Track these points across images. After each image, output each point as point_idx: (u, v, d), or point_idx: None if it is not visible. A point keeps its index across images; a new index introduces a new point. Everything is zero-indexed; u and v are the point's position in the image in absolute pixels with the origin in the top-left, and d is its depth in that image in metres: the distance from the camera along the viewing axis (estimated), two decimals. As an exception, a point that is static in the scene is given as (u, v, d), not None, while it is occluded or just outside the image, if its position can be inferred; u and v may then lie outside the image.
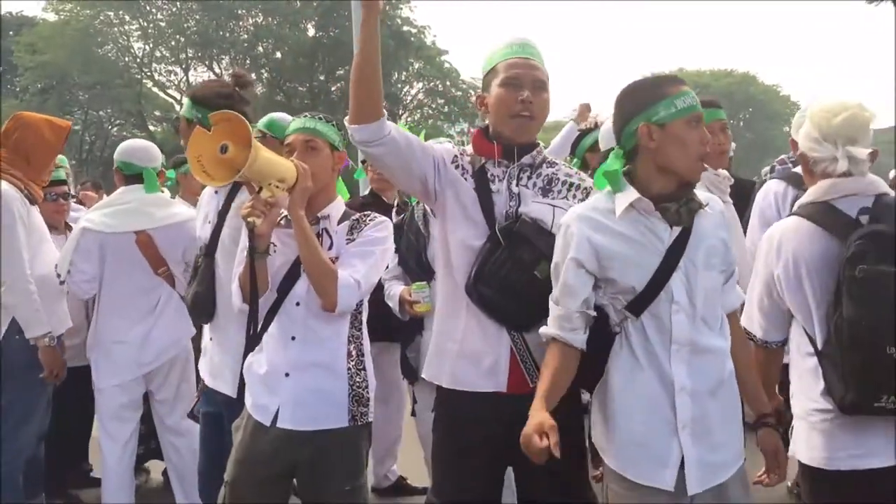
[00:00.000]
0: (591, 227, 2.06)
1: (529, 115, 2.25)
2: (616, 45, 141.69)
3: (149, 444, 4.25)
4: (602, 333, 2.10)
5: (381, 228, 2.47)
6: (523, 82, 2.24)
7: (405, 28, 32.39)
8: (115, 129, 33.48)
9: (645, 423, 2.04)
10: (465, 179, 2.29)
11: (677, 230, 2.05)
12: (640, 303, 2.04)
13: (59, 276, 3.53)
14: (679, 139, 2.02)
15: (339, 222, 2.48)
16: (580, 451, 2.30)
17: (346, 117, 2.24)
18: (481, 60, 2.38)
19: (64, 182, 4.32)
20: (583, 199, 2.26)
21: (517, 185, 2.28)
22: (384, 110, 2.18)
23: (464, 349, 2.26)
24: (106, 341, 3.56)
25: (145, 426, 3.86)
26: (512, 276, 2.17)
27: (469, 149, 2.38)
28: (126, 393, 3.58)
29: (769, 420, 2.20)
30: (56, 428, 3.80)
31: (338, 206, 2.52)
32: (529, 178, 2.30)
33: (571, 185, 2.33)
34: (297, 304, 2.41)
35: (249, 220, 2.22)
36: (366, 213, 2.53)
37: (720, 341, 2.10)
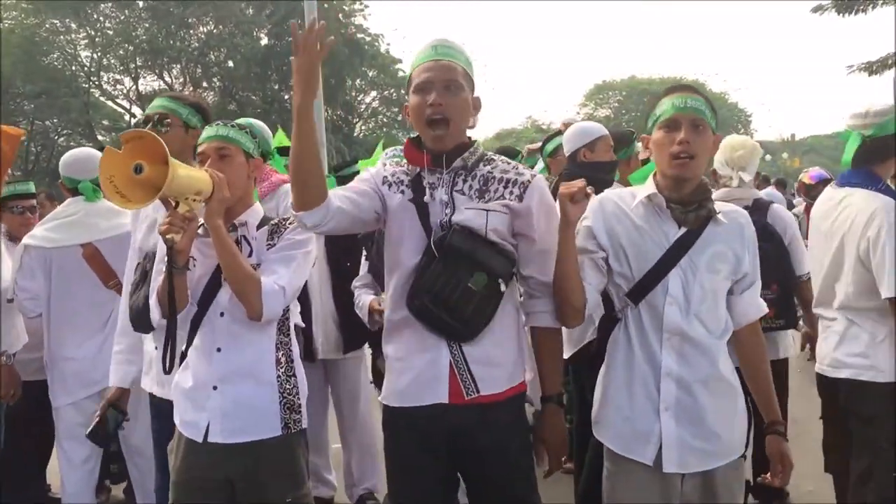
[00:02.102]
0: (611, 207, 2.28)
1: (442, 118, 2.17)
2: (569, 53, 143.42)
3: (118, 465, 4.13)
4: (610, 320, 2.33)
5: (303, 231, 2.41)
6: (433, 85, 2.17)
7: (359, 36, 32.33)
8: (62, 139, 32.64)
9: (632, 401, 2.23)
10: (403, 193, 2.25)
11: (684, 230, 2.21)
12: (638, 291, 2.22)
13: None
14: (655, 143, 2.25)
15: (258, 228, 2.45)
16: (527, 455, 2.30)
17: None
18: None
19: (33, 195, 4.20)
20: (520, 195, 2.21)
21: (452, 190, 2.22)
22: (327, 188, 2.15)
23: (407, 365, 2.24)
24: (58, 359, 3.46)
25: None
26: (445, 290, 2.13)
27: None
28: (81, 412, 3.46)
29: (778, 428, 2.33)
30: (13, 446, 3.67)
31: (255, 211, 2.49)
32: (465, 181, 2.23)
33: (508, 181, 2.23)
34: (221, 314, 2.37)
35: (168, 237, 2.17)
36: (286, 217, 2.49)
37: (713, 340, 2.23)
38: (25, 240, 3.48)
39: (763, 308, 2.36)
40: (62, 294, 3.45)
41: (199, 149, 2.42)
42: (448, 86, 2.17)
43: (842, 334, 3.01)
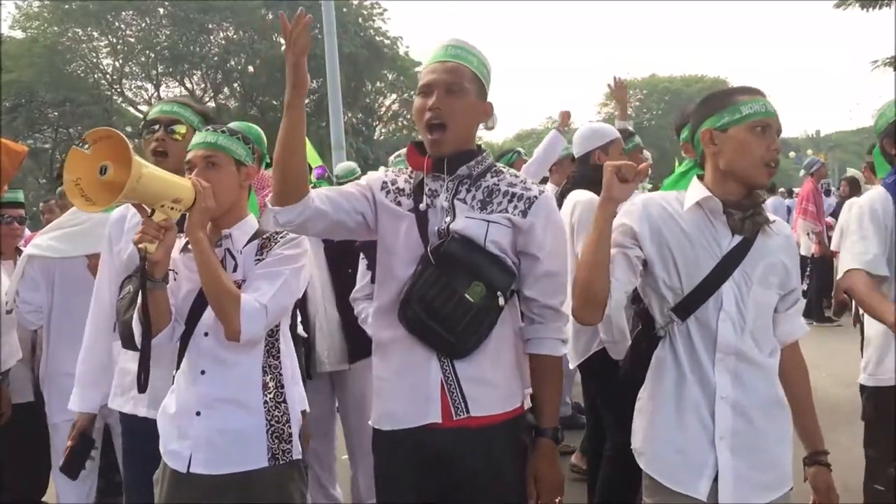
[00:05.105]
0: (657, 210, 2.08)
1: (440, 123, 2.07)
2: (589, 53, 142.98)
3: (112, 478, 4.06)
4: (646, 338, 2.13)
5: (294, 245, 2.28)
6: (434, 88, 2.08)
7: (378, 38, 32.36)
8: (85, 146, 33.03)
9: (683, 430, 2.03)
10: (400, 203, 2.14)
11: (738, 239, 2.04)
12: (687, 306, 2.03)
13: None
14: (740, 143, 2.02)
15: (250, 241, 2.30)
16: (522, 486, 2.12)
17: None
18: None
19: (21, 204, 4.13)
20: (524, 211, 2.08)
21: (454, 198, 2.10)
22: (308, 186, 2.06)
23: (397, 386, 2.10)
24: (57, 374, 3.39)
25: (104, 459, 3.66)
26: (439, 298, 2.00)
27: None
28: (81, 429, 3.38)
29: (822, 458, 2.18)
30: (12, 464, 3.61)
31: (246, 225, 2.33)
32: (469, 190, 2.11)
33: (514, 195, 2.10)
34: (206, 334, 2.23)
35: (140, 245, 2.05)
36: (278, 230, 2.34)
37: (767, 359, 2.07)
38: (28, 249, 3.40)
39: (805, 327, 2.22)
40: (64, 307, 3.38)
41: (187, 157, 2.28)
42: (450, 88, 2.07)
43: (863, 338, 2.96)
